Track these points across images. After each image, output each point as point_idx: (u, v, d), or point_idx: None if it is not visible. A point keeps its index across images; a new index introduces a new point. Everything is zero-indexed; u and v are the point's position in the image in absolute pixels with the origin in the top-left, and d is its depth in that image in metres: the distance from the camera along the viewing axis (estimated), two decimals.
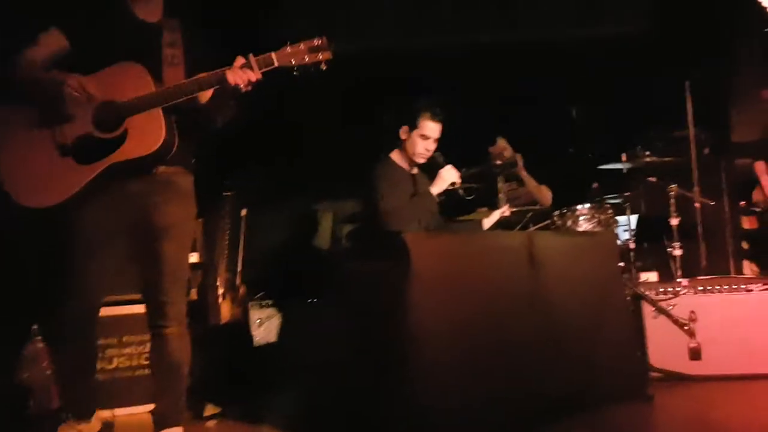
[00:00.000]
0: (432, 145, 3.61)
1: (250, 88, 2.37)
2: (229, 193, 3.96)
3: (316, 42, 2.37)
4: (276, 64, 2.37)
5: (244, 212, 4.19)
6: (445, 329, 2.74)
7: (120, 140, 2.36)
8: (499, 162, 4.90)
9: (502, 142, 4.92)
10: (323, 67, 2.38)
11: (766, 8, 2.24)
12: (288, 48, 2.38)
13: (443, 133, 3.64)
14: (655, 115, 5.33)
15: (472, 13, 5.87)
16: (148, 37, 2.48)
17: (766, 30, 2.22)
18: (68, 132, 2.37)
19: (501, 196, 3.91)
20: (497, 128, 5.00)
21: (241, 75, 2.35)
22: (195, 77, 2.40)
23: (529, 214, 4.11)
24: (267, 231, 4.78)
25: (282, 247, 4.84)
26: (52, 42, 2.43)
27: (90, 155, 2.36)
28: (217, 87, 2.40)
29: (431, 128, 3.57)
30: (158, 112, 2.37)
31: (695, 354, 3.65)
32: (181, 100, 2.37)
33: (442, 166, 3.57)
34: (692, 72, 4.75)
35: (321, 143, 5.19)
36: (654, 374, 3.66)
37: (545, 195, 4.87)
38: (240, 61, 2.38)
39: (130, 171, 2.41)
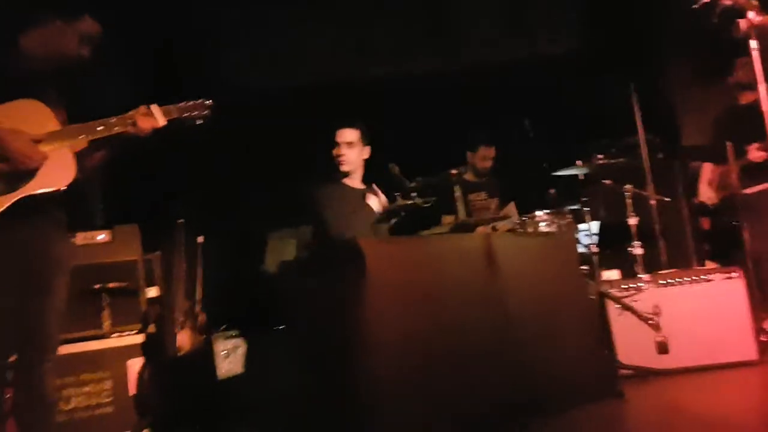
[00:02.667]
0: (344, 150, 3.71)
1: (149, 133, 2.52)
2: (181, 221, 3.90)
3: (204, 102, 2.66)
4: (175, 115, 2.59)
5: (200, 239, 4.11)
6: (402, 336, 2.67)
7: (30, 173, 2.35)
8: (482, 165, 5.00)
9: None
10: (199, 121, 2.66)
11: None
12: (183, 103, 2.62)
13: (402, 146, 3.70)
14: (608, 124, 5.43)
15: (412, 43, 6.02)
16: (40, 82, 2.49)
17: (694, 6, 2.25)
18: None
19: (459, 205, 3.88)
20: (452, 144, 5.12)
21: (148, 121, 2.50)
22: (104, 119, 2.47)
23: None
24: (228, 259, 4.72)
25: (245, 276, 4.76)
26: None
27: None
28: (120, 132, 2.48)
29: (339, 134, 3.69)
30: (67, 148, 2.42)
31: (663, 348, 3.64)
32: (92, 138, 2.44)
33: (398, 176, 3.58)
34: (637, 80, 4.85)
35: (278, 170, 5.19)
36: (623, 371, 3.64)
37: (513, 210, 4.90)
38: (143, 109, 2.53)
39: (38, 204, 2.38)
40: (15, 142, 2.33)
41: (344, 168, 3.74)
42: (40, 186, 2.35)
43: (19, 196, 2.32)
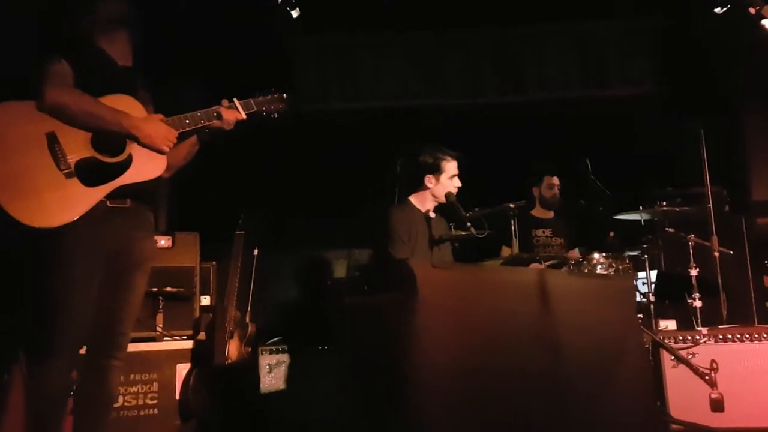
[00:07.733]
0: (458, 180, 3.75)
1: (233, 127, 2.64)
2: (241, 232, 3.98)
3: (281, 95, 2.77)
4: (255, 108, 2.71)
5: (256, 252, 4.19)
6: (449, 363, 2.64)
7: (125, 164, 2.45)
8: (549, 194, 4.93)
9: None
10: (275, 115, 2.76)
11: None
12: (261, 97, 2.74)
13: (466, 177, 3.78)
14: (676, 172, 5.33)
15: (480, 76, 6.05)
16: (127, 78, 2.62)
17: None
18: (70, 155, 2.38)
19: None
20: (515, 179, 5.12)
21: (232, 113, 2.63)
22: (191, 113, 2.58)
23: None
24: (280, 275, 4.78)
25: (296, 293, 4.82)
26: (67, 71, 2.45)
27: (95, 178, 2.39)
28: (205, 125, 2.60)
29: (454, 166, 3.74)
30: None
31: (717, 405, 3.50)
32: (181, 130, 2.54)
33: (454, 205, 3.60)
34: (709, 129, 4.74)
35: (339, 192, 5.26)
36: (674, 426, 3.51)
37: (576, 255, 4.79)
38: (225, 102, 2.65)
39: (132, 194, 2.48)
40: (150, 126, 2.46)
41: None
42: (135, 177, 2.45)
43: (118, 185, 2.41)
